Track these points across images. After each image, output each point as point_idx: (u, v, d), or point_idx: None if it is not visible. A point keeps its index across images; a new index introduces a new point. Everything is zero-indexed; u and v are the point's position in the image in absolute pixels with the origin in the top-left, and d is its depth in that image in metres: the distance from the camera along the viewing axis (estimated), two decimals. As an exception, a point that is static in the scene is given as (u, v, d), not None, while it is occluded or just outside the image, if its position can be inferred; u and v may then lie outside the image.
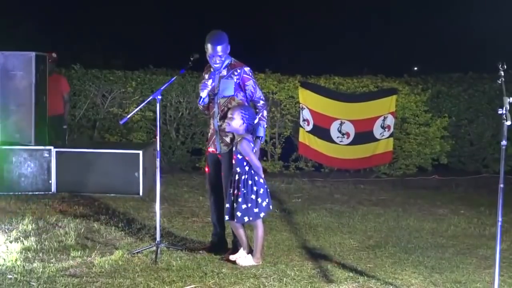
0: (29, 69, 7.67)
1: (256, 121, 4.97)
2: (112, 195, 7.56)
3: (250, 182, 4.90)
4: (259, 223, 5.00)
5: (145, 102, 5.65)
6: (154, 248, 5.16)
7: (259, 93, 5.16)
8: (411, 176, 9.55)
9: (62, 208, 6.91)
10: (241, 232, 5.05)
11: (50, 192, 7.65)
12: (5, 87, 7.70)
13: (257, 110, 5.11)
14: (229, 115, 4.92)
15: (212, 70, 5.18)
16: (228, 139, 5.12)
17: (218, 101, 5.12)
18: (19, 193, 7.56)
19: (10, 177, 7.64)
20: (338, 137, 9.20)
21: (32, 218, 6.28)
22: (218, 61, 5.08)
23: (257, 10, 22.02)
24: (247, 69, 5.13)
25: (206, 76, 5.21)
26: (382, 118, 9.15)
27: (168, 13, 21.57)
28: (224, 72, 5.11)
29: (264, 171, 5.24)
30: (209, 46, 5.05)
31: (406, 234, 6.15)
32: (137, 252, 5.19)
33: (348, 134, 9.19)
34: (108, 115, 9.75)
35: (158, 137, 5.29)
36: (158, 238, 5.20)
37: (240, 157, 4.91)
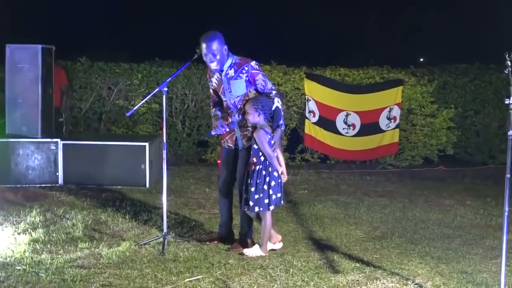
0: (35, 62, 7.69)
1: (274, 106, 4.96)
2: (119, 187, 7.59)
3: (264, 172, 4.93)
4: (268, 214, 5.03)
5: (151, 94, 5.66)
6: (161, 239, 5.18)
7: (270, 85, 5.14)
8: (417, 167, 9.53)
9: (69, 200, 6.94)
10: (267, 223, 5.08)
11: (57, 184, 7.69)
12: (12, 80, 7.73)
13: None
14: (246, 112, 4.98)
15: (214, 71, 5.16)
16: (250, 133, 5.10)
17: (233, 101, 5.11)
18: (27, 185, 7.60)
19: (18, 169, 7.68)
20: (344, 128, 9.19)
21: (39, 210, 6.32)
22: (212, 59, 5.00)
23: (261, 1, 21.98)
24: (253, 63, 5.09)
25: (213, 80, 5.18)
26: (388, 109, 9.14)
27: (174, 6, 21.56)
28: (232, 73, 5.07)
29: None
30: (202, 45, 5.01)
31: (412, 225, 6.15)
32: (144, 244, 5.22)
33: (354, 126, 9.18)
34: (114, 107, 9.77)
35: (164, 129, 5.31)
36: (165, 230, 5.23)
37: (256, 147, 4.96)
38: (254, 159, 4.98)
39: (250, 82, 5.08)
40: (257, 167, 4.95)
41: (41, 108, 7.75)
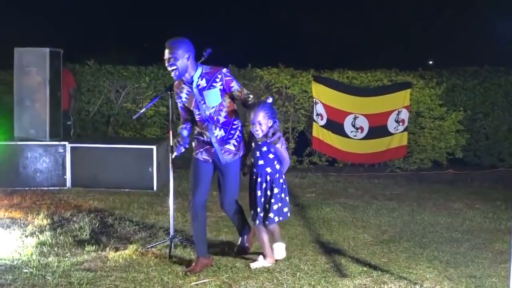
0: (43, 65, 7.73)
1: (270, 100, 4.79)
2: (126, 190, 7.60)
3: (281, 181, 4.80)
4: (277, 224, 4.89)
5: (158, 97, 5.67)
6: (168, 242, 5.18)
7: (244, 90, 4.90)
8: (426, 170, 9.48)
9: (77, 203, 6.96)
10: (265, 238, 4.85)
11: (65, 187, 7.72)
12: (20, 83, 7.77)
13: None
14: (256, 123, 4.66)
15: (182, 86, 4.88)
16: (232, 147, 4.84)
17: (208, 113, 4.81)
18: (35, 188, 7.63)
19: (26, 172, 7.71)
20: (352, 131, 9.15)
21: (47, 213, 6.34)
22: (172, 63, 4.66)
23: (269, 4, 22.00)
24: (225, 70, 4.83)
25: (183, 96, 4.88)
26: (396, 112, 9.09)
27: (181, 8, 21.62)
28: (204, 83, 4.78)
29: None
30: (165, 50, 4.72)
31: (420, 228, 6.11)
32: (151, 247, 5.22)
33: (362, 129, 9.14)
34: (122, 110, 9.80)
35: (171, 132, 5.30)
36: (172, 233, 5.22)
37: (271, 156, 4.77)
38: (269, 169, 4.77)
39: (225, 90, 4.80)
40: (275, 176, 4.77)
41: (49, 111, 7.78)
